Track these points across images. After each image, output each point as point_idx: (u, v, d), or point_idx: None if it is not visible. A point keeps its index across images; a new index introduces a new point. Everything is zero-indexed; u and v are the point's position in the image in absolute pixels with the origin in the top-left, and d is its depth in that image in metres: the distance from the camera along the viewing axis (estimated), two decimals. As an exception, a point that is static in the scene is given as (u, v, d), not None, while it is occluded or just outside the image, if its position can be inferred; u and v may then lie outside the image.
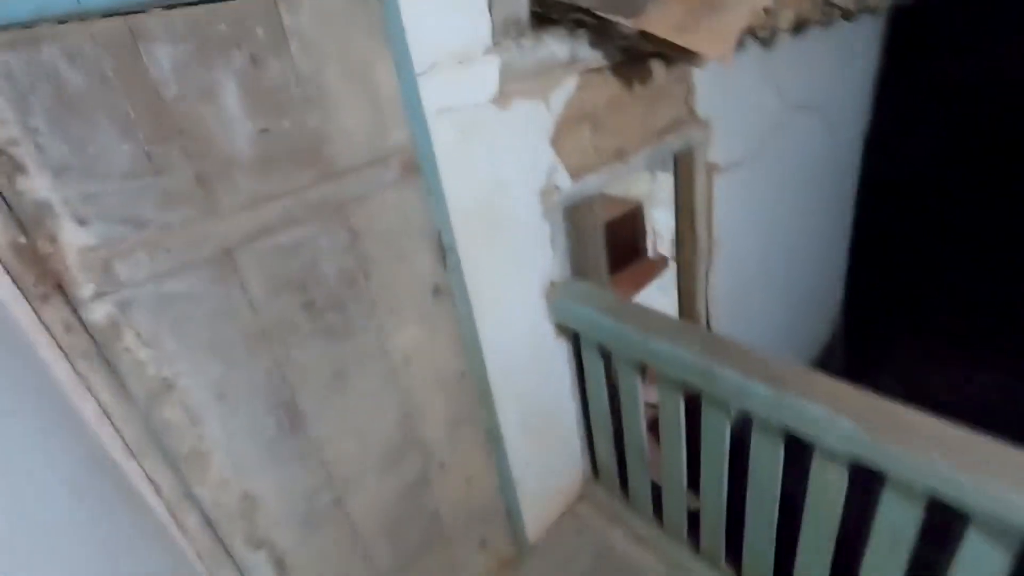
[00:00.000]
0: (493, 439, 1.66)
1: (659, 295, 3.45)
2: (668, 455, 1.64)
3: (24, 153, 0.79)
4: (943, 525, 1.09)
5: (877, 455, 1.06)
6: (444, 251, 1.36)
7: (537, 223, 1.60)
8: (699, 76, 1.96)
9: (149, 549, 0.99)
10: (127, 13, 0.82)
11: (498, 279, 1.55)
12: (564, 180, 1.63)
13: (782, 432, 1.27)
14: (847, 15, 2.20)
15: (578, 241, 2.17)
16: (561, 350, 1.84)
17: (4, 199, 0.79)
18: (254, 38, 0.95)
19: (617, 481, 1.99)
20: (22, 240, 0.81)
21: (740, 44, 1.48)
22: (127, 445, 0.97)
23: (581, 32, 1.47)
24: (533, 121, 1.50)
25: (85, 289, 0.88)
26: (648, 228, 3.79)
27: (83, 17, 0.79)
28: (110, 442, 0.95)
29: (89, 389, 0.91)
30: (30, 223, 0.81)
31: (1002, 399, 3.46)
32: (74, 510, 0.79)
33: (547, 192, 1.59)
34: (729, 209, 2.34)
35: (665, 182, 3.19)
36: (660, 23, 1.32)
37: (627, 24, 1.35)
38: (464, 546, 1.70)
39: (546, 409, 1.86)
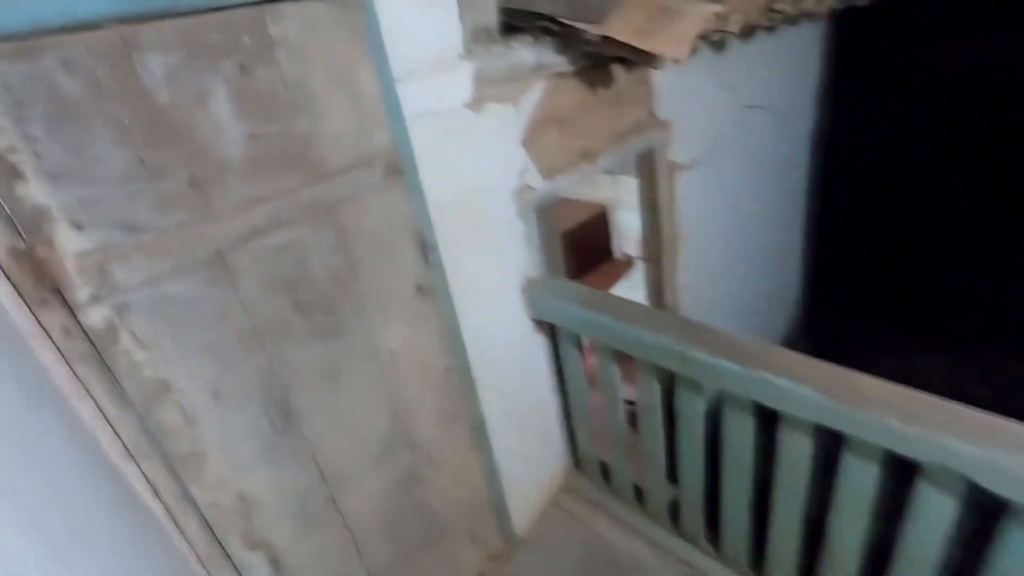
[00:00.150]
0: (478, 433, 1.71)
1: (628, 293, 3.58)
2: (648, 440, 1.72)
3: (22, 160, 0.81)
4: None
5: (836, 419, 1.16)
6: (426, 249, 1.41)
7: (513, 221, 1.67)
8: (658, 79, 2.07)
9: (151, 552, 1.00)
10: (120, 23, 0.85)
11: (478, 276, 1.60)
12: (536, 180, 1.70)
13: (752, 407, 1.37)
14: (790, 20, 2.35)
15: (548, 243, 2.25)
16: (540, 344, 1.90)
17: (3, 205, 0.80)
18: (242, 47, 0.99)
19: (599, 470, 2.06)
20: (21, 245, 0.83)
21: (694, 48, 1.59)
22: (126, 447, 0.98)
23: (547, 39, 1.56)
24: (505, 124, 1.57)
25: (82, 293, 0.89)
26: (613, 231, 3.93)
27: (78, 28, 0.82)
28: (109, 444, 0.96)
29: (88, 392, 0.92)
30: (28, 228, 0.83)
31: (945, 379, 3.71)
32: (74, 511, 0.81)
33: (521, 191, 1.66)
34: (692, 205, 2.46)
35: (628, 185, 3.32)
36: (622, 29, 1.42)
37: (591, 30, 1.43)
38: (456, 541, 1.74)
39: (528, 402, 1.92)
